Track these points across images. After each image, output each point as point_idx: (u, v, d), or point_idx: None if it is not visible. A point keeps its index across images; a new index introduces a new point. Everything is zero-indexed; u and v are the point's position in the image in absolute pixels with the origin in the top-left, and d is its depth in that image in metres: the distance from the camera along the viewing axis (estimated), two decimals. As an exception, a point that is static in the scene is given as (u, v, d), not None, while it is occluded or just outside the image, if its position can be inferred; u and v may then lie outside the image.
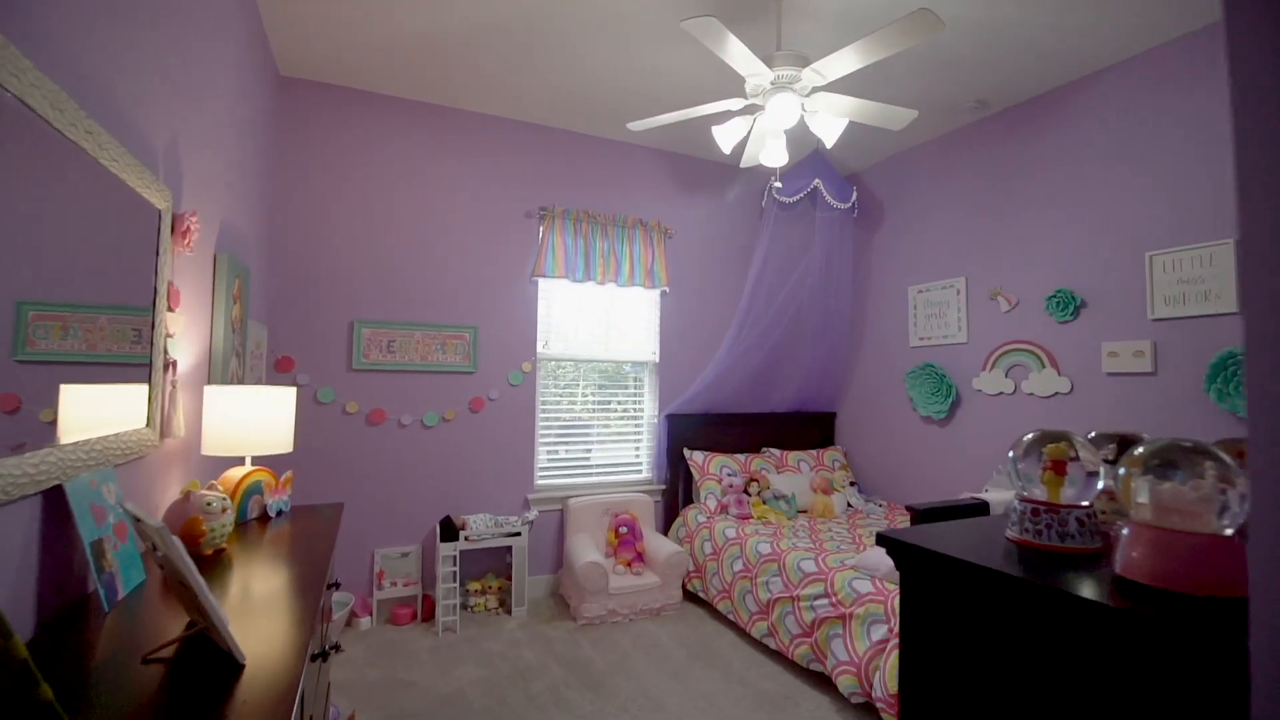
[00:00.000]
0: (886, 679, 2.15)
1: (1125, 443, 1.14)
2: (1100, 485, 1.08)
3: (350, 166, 3.29)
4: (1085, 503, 1.08)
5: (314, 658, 1.30)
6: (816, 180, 3.68)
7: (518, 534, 3.32)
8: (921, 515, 2.14)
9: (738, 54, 2.07)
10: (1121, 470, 0.92)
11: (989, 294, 3.50)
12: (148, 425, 1.46)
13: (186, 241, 1.66)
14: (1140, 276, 2.80)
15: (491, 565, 3.50)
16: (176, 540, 0.90)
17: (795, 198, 3.77)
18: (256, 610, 1.16)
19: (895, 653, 2.17)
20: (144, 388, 1.45)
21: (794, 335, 4.21)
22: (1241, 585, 0.78)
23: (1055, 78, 3.08)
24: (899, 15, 2.18)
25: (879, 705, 2.18)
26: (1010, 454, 1.15)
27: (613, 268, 3.82)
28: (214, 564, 1.42)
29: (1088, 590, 0.88)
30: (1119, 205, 2.90)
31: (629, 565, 3.44)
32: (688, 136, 3.88)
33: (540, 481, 3.72)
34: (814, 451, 4.27)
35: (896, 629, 2.22)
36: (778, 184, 3.25)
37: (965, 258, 3.65)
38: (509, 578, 3.37)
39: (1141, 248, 2.80)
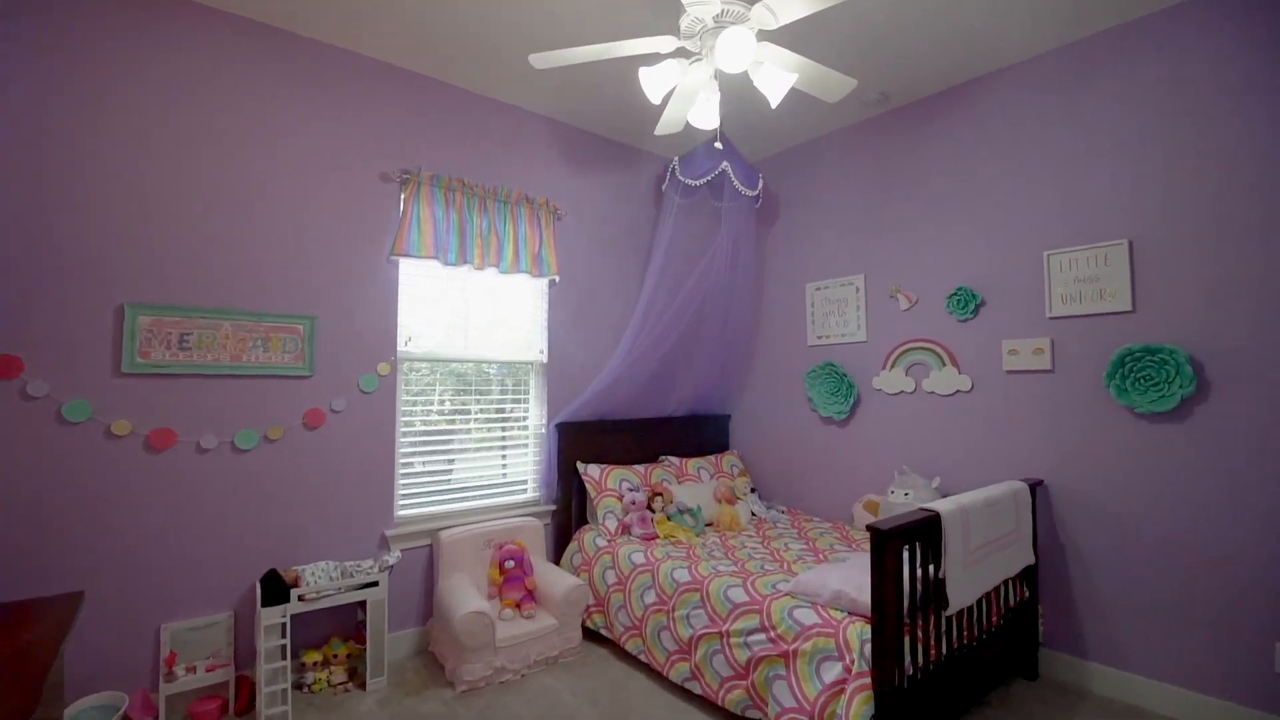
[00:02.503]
0: (850, 729, 1.84)
1: None
2: None
3: (129, 86, 2.33)
4: None
5: None
6: (725, 164, 3.38)
7: (374, 583, 2.58)
8: (886, 535, 1.86)
9: (684, -30, 1.64)
10: None
11: (889, 292, 3.45)
12: None
13: None
14: (1039, 275, 2.84)
15: (336, 628, 2.71)
16: None
17: (701, 180, 3.44)
18: None
19: (859, 696, 1.87)
20: None
21: (696, 333, 3.89)
22: None
23: (957, 74, 3.06)
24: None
25: (839, 759, 1.87)
26: None
27: (493, 250, 3.20)
28: None
29: None
30: (1017, 204, 2.93)
31: (518, 607, 2.85)
32: (586, 105, 3.39)
33: (402, 513, 2.98)
34: (712, 457, 3.99)
35: (854, 666, 1.93)
36: (718, 144, 2.85)
37: (864, 255, 3.58)
38: (362, 640, 2.61)
39: (1039, 246, 2.84)
